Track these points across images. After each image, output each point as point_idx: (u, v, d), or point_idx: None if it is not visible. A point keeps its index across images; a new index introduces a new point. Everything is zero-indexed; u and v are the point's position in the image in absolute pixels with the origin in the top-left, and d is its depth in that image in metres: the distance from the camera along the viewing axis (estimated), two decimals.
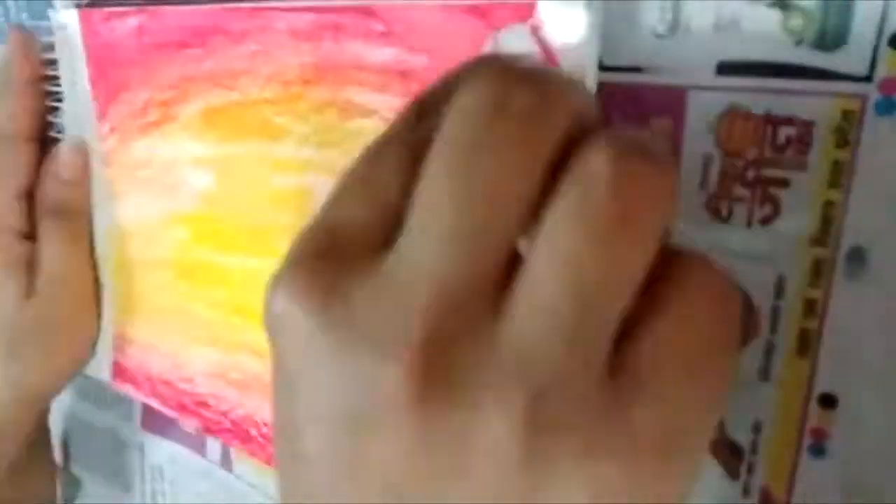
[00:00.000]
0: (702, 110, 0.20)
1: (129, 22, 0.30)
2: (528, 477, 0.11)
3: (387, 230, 0.13)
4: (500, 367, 0.11)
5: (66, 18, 0.32)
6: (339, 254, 0.13)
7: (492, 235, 0.12)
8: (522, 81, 0.12)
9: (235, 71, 0.27)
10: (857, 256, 0.18)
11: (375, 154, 0.14)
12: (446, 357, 0.11)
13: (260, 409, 0.30)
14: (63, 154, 0.33)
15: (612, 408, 0.12)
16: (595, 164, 0.12)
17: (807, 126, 0.18)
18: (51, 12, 0.32)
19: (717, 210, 0.20)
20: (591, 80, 0.19)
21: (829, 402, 0.19)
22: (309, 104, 0.25)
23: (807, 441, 0.20)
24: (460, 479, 0.12)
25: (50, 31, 0.33)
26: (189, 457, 0.36)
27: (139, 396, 0.35)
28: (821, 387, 0.19)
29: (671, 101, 0.20)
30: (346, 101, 0.24)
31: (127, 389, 0.36)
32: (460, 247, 0.12)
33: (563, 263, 0.12)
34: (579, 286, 0.11)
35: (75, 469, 0.44)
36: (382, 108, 0.23)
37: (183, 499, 0.37)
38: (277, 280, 0.13)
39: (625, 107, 0.21)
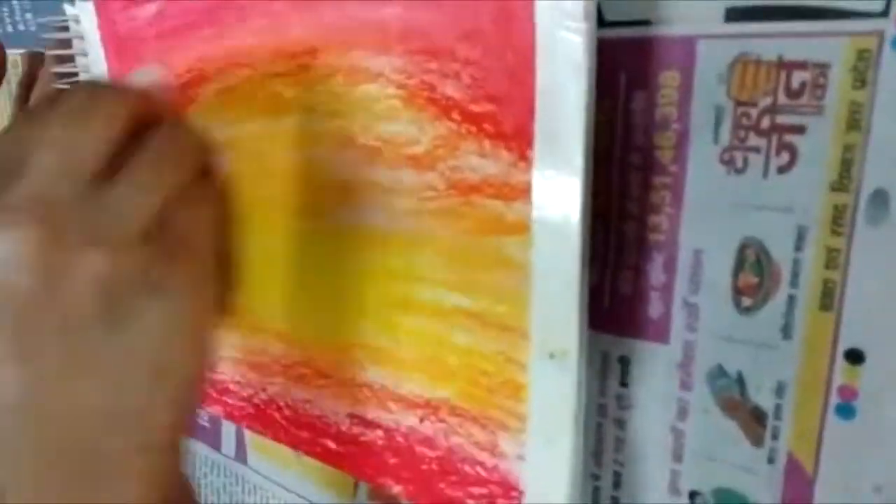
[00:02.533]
0: (711, 60, 0.19)
1: (147, 8, 0.30)
2: None
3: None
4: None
5: (82, 10, 0.32)
6: None
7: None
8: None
9: (246, 47, 0.27)
10: (880, 200, 0.17)
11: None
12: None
13: (283, 392, 0.30)
14: None
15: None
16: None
17: (821, 69, 0.18)
18: (66, 6, 0.32)
19: (732, 162, 0.19)
20: (589, 39, 0.19)
21: (855, 357, 0.18)
22: (316, 73, 0.25)
23: (834, 401, 0.19)
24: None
25: (63, 27, 0.33)
26: (203, 451, 0.36)
27: None
28: (846, 342, 0.18)
29: (679, 53, 0.19)
30: (351, 67, 0.24)
31: None
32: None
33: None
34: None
35: None
36: (386, 70, 0.23)
37: (197, 494, 0.37)
38: None
39: (632, 62, 0.20)
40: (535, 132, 0.20)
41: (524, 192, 0.21)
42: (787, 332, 0.19)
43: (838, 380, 0.19)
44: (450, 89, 0.22)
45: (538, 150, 0.20)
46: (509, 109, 0.21)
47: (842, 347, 0.19)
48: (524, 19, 0.19)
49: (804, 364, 0.19)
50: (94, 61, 0.33)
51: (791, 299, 0.19)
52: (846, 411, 0.19)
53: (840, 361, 0.19)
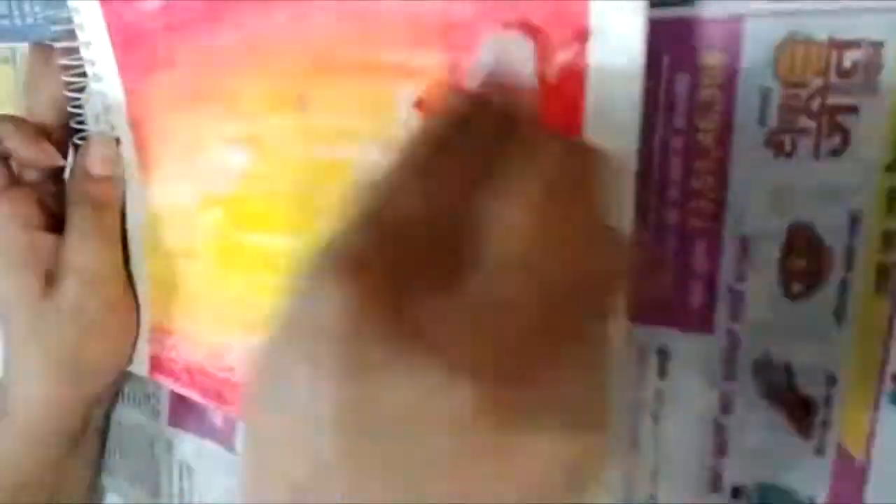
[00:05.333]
0: (759, 40, 0.19)
1: (153, 1, 0.29)
2: None
3: (447, 238, 0.13)
4: None
5: (84, 2, 0.31)
6: (405, 257, 0.13)
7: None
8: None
9: (267, 41, 0.26)
10: None
11: (427, 156, 0.15)
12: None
13: None
14: (93, 148, 0.32)
15: None
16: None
17: (875, 47, 0.17)
18: None
19: (780, 145, 0.19)
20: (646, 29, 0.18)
21: None
22: (346, 69, 0.25)
23: (888, 388, 0.18)
24: None
25: (67, 19, 0.32)
26: (217, 451, 0.35)
27: (178, 389, 0.34)
28: None
29: (725, 33, 0.19)
30: (383, 63, 0.23)
31: (165, 382, 0.35)
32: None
33: None
34: None
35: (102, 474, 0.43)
36: (425, 66, 0.22)
37: (211, 495, 0.36)
38: (341, 272, 0.13)
39: (675, 43, 0.20)
40: (584, 126, 0.20)
41: None
42: (839, 317, 0.19)
43: (893, 366, 0.18)
44: None
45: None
46: (557, 103, 0.20)
47: None
48: (577, 9, 0.19)
49: (857, 350, 0.19)
50: (100, 53, 0.32)
51: (844, 283, 0.18)
52: None
53: (895, 346, 0.18)
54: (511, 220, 0.14)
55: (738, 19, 0.19)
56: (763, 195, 0.19)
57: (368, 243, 0.13)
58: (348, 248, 0.13)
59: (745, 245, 0.20)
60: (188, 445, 0.36)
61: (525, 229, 0.14)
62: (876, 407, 0.19)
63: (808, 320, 0.19)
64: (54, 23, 0.32)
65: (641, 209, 0.21)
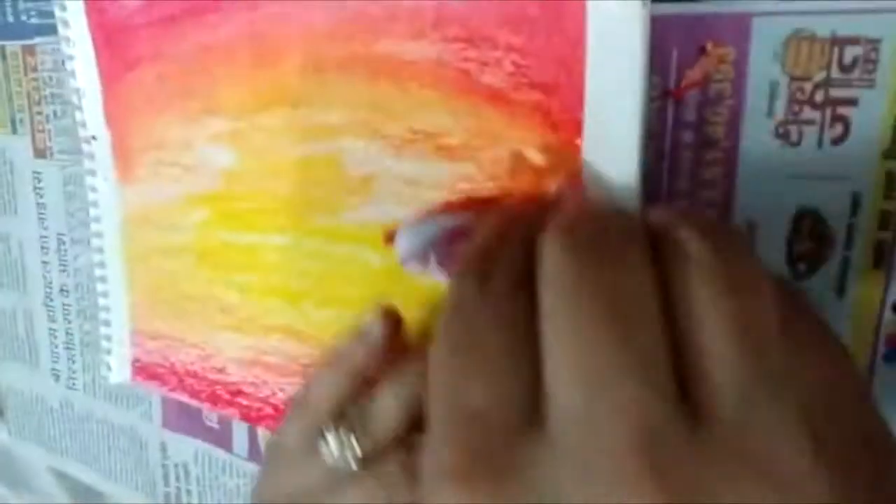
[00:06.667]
0: (767, 37, 0.20)
1: None
2: None
3: (529, 408, 0.13)
4: None
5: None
6: (496, 446, 0.13)
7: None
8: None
9: (256, 35, 0.26)
10: None
11: (478, 334, 0.14)
12: None
13: None
14: None
15: None
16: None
17: (873, 44, 0.19)
18: None
19: (787, 135, 0.20)
20: (646, 21, 0.19)
21: None
22: (336, 63, 0.24)
23: (882, 349, 0.21)
24: None
25: (50, 14, 0.30)
26: (214, 452, 0.35)
27: (164, 392, 0.33)
28: (895, 295, 0.20)
29: (734, 30, 0.20)
30: (376, 56, 0.23)
31: (150, 387, 0.34)
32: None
33: None
34: None
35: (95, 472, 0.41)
36: (419, 59, 0.22)
37: (210, 497, 0.36)
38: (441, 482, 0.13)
39: (686, 39, 0.21)
40: (585, 119, 0.20)
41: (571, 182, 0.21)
42: (840, 290, 0.21)
43: (887, 329, 0.20)
44: (490, 78, 0.21)
45: (587, 139, 0.20)
46: (556, 97, 0.21)
47: (890, 300, 0.20)
48: (574, 2, 0.19)
49: (856, 317, 0.21)
50: (79, 49, 0.30)
51: (845, 260, 0.20)
52: (894, 357, 0.21)
53: (888, 313, 0.20)
54: None
55: (746, 16, 0.20)
56: (771, 183, 0.21)
57: None
58: None
59: (753, 231, 0.21)
60: (184, 447, 0.36)
61: None
62: (872, 369, 0.21)
63: (813, 295, 0.21)
64: (39, 17, 0.31)
65: (653, 199, 0.22)
